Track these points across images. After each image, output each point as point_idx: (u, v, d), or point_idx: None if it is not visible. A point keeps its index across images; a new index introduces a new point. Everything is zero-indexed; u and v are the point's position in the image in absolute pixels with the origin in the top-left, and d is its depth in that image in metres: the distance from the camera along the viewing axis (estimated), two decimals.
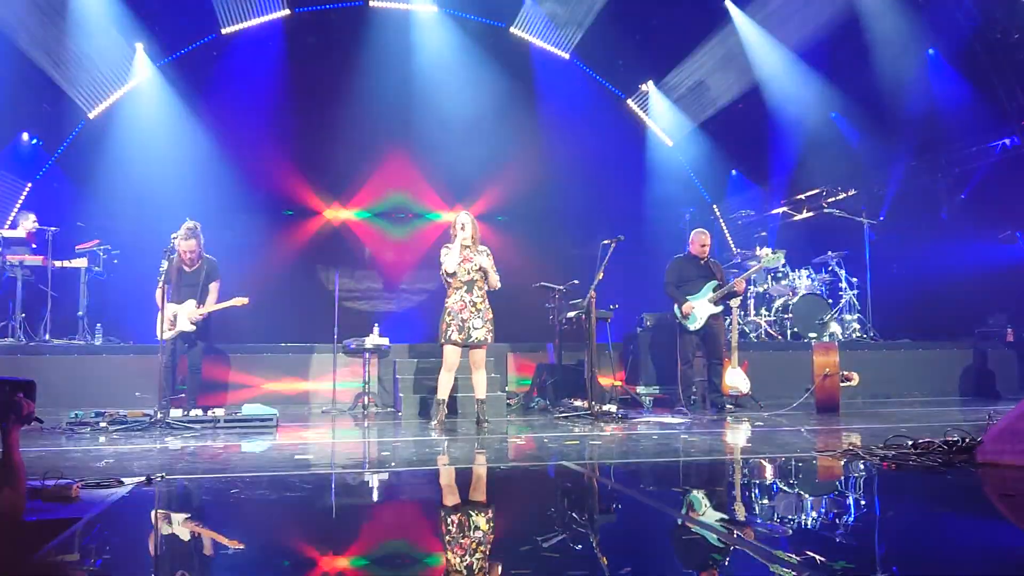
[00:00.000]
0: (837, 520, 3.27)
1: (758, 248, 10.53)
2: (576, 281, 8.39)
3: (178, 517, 3.40)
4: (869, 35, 10.36)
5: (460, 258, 6.65)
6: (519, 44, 12.92)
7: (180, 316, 7.19)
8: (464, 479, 4.43)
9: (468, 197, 11.97)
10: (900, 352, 9.82)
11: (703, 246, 8.07)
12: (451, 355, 6.65)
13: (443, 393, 6.74)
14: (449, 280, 6.70)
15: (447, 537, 2.99)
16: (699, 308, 7.84)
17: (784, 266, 10.23)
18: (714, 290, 7.84)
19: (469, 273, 6.65)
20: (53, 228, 9.12)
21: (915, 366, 9.68)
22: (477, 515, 3.43)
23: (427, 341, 9.31)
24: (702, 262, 8.03)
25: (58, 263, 9.09)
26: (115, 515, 3.18)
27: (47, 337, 8.78)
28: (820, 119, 11.53)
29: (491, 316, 6.72)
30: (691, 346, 7.97)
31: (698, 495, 3.85)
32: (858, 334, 10.16)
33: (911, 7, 10.25)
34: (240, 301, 7.49)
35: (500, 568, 2.49)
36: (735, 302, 8.29)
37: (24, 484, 2.86)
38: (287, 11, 11.95)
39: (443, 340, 6.63)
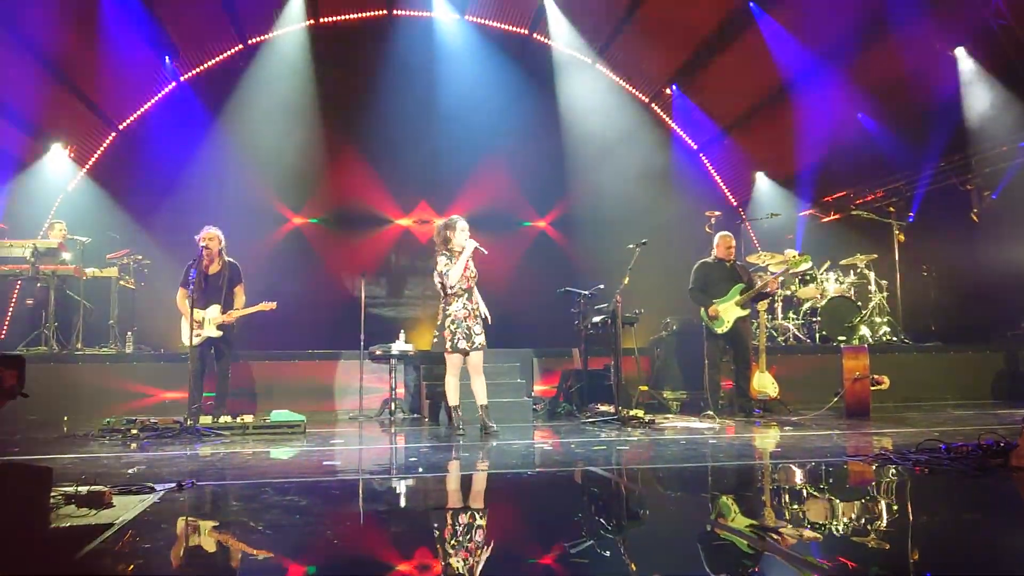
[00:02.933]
0: (868, 525, 3.23)
1: (786, 251, 10.44)
2: (602, 286, 8.37)
3: (209, 523, 3.43)
4: (895, 35, 10.24)
5: (465, 260, 6.57)
6: (542, 50, 12.95)
7: (206, 322, 7.24)
8: (491, 484, 4.43)
9: (489, 203, 12.01)
10: (931, 355, 9.67)
11: (728, 248, 8.01)
12: (456, 361, 6.62)
13: (455, 398, 6.71)
14: (450, 289, 6.57)
15: (474, 542, 2.99)
16: (726, 311, 7.79)
17: (812, 268, 10.14)
18: (741, 293, 7.79)
19: (468, 280, 6.63)
20: (85, 239, 9.26)
21: (946, 369, 9.53)
22: (504, 520, 3.42)
23: None
24: (728, 265, 7.98)
25: (90, 272, 9.23)
26: (147, 521, 3.21)
27: (79, 345, 8.91)
28: (847, 120, 11.41)
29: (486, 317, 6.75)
30: (718, 350, 7.92)
31: (727, 500, 3.82)
32: (888, 337, 10.03)
33: (938, 6, 10.12)
34: (268, 306, 7.54)
35: (528, 571, 2.49)
36: (762, 305, 8.22)
37: None
38: (311, 21, 12.08)
39: (450, 348, 6.55)
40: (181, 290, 7.26)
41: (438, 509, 3.82)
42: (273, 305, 7.56)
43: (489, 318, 6.79)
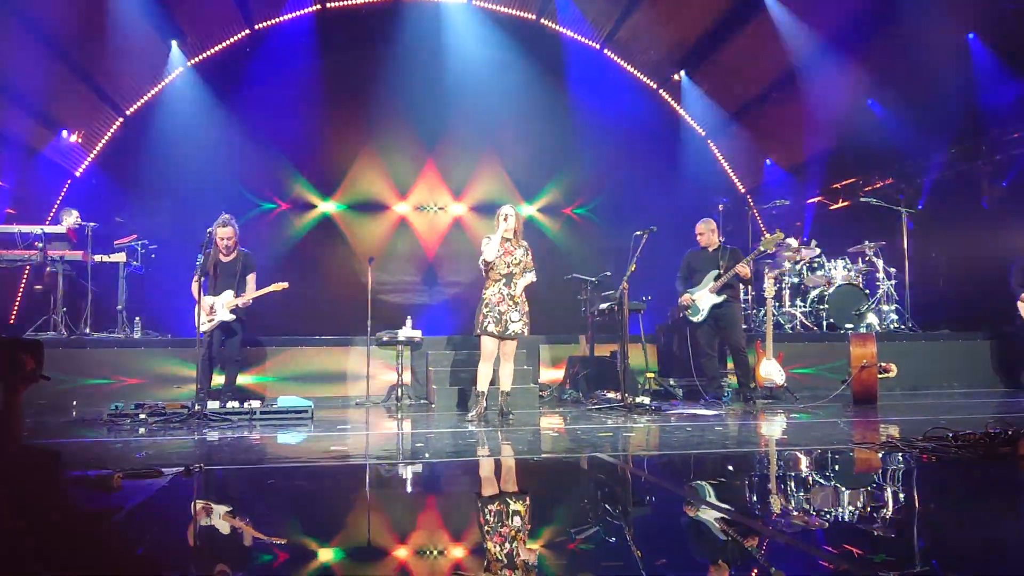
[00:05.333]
0: (875, 513, 3.22)
1: (792, 239, 10.40)
2: (608, 273, 8.36)
3: (217, 506, 3.45)
4: (906, 19, 10.14)
5: (500, 250, 6.62)
6: (550, 35, 12.89)
7: (218, 306, 7.27)
8: (497, 470, 4.44)
9: (499, 188, 11.98)
10: (939, 343, 9.63)
11: (699, 235, 7.92)
12: (488, 345, 6.64)
13: (483, 384, 6.70)
14: (487, 271, 6.68)
15: (481, 526, 3.00)
16: (700, 299, 7.70)
17: (820, 256, 10.11)
18: (715, 280, 7.71)
19: (508, 266, 6.62)
20: (92, 224, 9.29)
21: (955, 357, 9.50)
22: (512, 506, 3.43)
23: (459, 334, 9.35)
24: (711, 251, 7.86)
25: (97, 258, 9.25)
26: (156, 504, 3.23)
27: (87, 331, 8.94)
28: (856, 106, 11.33)
29: (527, 309, 6.68)
30: (704, 337, 7.78)
31: (732, 486, 3.82)
32: (896, 325, 10.00)
33: None
34: (280, 286, 7.57)
35: (537, 558, 2.49)
36: (769, 291, 8.17)
37: (21, 435, 2.93)
38: (319, 6, 12.04)
39: (479, 331, 6.62)
40: (195, 277, 7.27)
41: (444, 493, 3.84)
42: (285, 285, 7.58)
43: (525, 308, 6.67)
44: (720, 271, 7.66)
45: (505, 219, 6.64)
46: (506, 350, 6.70)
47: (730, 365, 8.06)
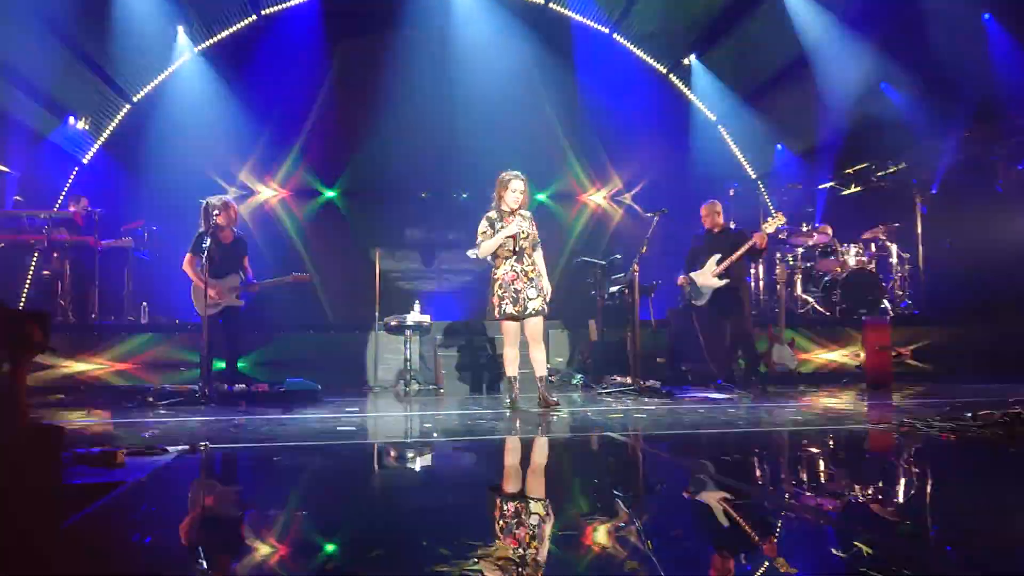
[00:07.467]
0: (893, 490, 3.14)
1: (804, 224, 10.30)
2: (618, 255, 8.27)
3: (221, 483, 3.40)
4: (921, 1, 9.99)
5: (501, 239, 6.05)
6: (559, 19, 12.76)
7: (225, 291, 7.22)
8: (500, 450, 4.37)
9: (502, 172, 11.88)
10: (953, 328, 9.51)
11: (704, 217, 7.79)
12: (511, 328, 6.10)
13: (512, 369, 6.16)
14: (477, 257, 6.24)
15: (487, 508, 2.94)
16: (703, 283, 7.58)
17: (833, 240, 10.01)
18: (718, 263, 7.55)
19: (517, 241, 6.06)
20: (99, 210, 9.25)
21: (969, 342, 9.36)
22: (523, 492, 3.37)
23: (468, 318, 9.28)
24: (716, 233, 7.73)
25: (105, 243, 9.23)
26: (160, 480, 3.18)
27: (94, 316, 8.92)
28: (869, 89, 11.17)
29: (544, 284, 6.16)
30: (709, 320, 7.68)
31: (746, 466, 3.74)
32: (910, 310, 9.88)
33: None
34: (302, 277, 7.55)
35: (548, 538, 2.43)
36: (781, 276, 8.08)
37: (25, 407, 2.87)
38: None
39: (498, 315, 6.07)
40: (189, 256, 7.19)
41: (450, 472, 3.78)
42: (307, 277, 7.54)
43: (547, 289, 6.18)
44: (721, 254, 7.56)
45: (514, 191, 6.06)
46: (531, 331, 6.13)
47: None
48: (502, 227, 6.07)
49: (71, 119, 10.92)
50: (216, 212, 7.09)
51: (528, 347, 6.15)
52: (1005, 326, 9.46)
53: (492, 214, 6.17)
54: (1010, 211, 9.96)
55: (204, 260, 6.88)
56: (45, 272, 9.24)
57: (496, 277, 6.13)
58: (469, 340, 8.40)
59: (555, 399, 6.09)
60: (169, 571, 2.12)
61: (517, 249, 6.08)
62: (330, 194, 12.30)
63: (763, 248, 7.56)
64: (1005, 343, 9.34)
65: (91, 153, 11.30)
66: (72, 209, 9.33)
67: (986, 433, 4.08)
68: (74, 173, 11.01)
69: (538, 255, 6.24)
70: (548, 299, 6.18)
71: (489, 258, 6.24)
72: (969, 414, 4.43)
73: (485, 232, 6.13)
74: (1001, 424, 4.17)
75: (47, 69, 9.94)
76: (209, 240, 6.95)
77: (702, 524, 2.61)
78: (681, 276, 7.71)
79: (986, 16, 10.13)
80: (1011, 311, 9.55)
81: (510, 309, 6.02)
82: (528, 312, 6.04)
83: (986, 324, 9.50)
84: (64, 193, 10.46)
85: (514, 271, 6.06)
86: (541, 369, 6.17)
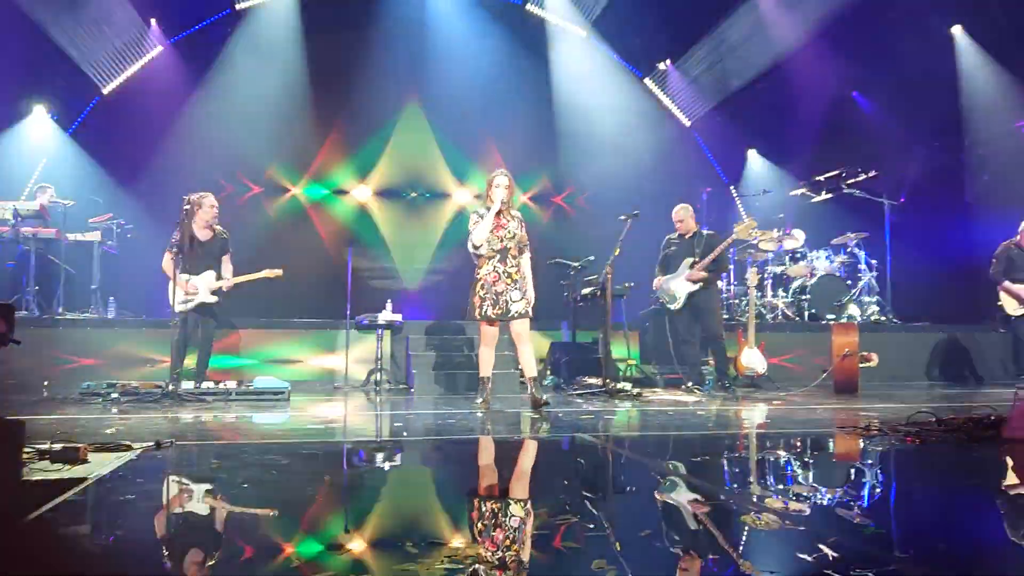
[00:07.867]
0: (858, 493, 3.18)
1: (779, 230, 10.39)
2: (592, 257, 8.29)
3: (187, 479, 3.35)
4: (891, 11, 10.14)
5: (492, 226, 6.05)
6: (535, 21, 12.79)
7: (200, 287, 7.14)
8: (471, 449, 4.37)
9: (481, 175, 11.87)
10: (919, 334, 9.67)
11: (682, 222, 7.82)
12: (488, 330, 6.13)
13: (485, 370, 6.15)
14: (474, 249, 6.15)
15: (457, 506, 2.93)
16: (675, 287, 7.62)
17: (803, 246, 10.12)
18: (690, 267, 7.60)
19: (502, 240, 6.03)
20: (69, 202, 9.10)
21: (935, 349, 9.54)
22: (495, 482, 3.36)
23: (440, 318, 9.26)
24: (687, 238, 7.75)
25: (72, 236, 9.08)
26: (123, 476, 3.13)
27: (60, 310, 8.76)
28: (840, 98, 11.33)
29: (528, 289, 6.12)
30: (682, 324, 7.69)
31: (709, 468, 3.76)
32: (877, 316, 10.02)
33: None
34: (274, 273, 7.45)
35: (519, 535, 2.42)
36: (752, 280, 8.14)
37: None
38: None
39: (477, 315, 6.05)
40: (167, 254, 7.12)
41: (420, 471, 3.76)
42: (279, 272, 7.46)
43: (531, 296, 6.13)
44: (695, 258, 7.60)
45: (499, 188, 6.03)
46: (517, 331, 6.09)
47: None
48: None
49: (39, 109, 10.75)
50: (192, 207, 7.00)
51: (510, 349, 6.16)
52: (971, 333, 9.64)
53: (480, 210, 6.17)
54: (977, 220, 10.14)
55: (175, 253, 6.80)
56: (9, 264, 9.07)
57: (478, 277, 6.10)
58: (443, 340, 8.39)
59: (545, 399, 6.05)
60: (132, 568, 2.08)
61: (502, 249, 6.05)
62: (301, 190, 12.19)
63: (726, 262, 7.64)
64: (969, 350, 9.53)
65: (59, 144, 11.10)
66: (38, 200, 9.16)
67: (949, 437, 4.15)
68: (41, 164, 10.81)
69: (525, 259, 6.21)
70: (532, 305, 6.16)
71: (473, 258, 6.21)
72: (934, 418, 4.50)
73: (476, 223, 6.10)
74: (964, 428, 4.24)
75: (15, 58, 9.78)
76: (182, 234, 6.88)
77: (670, 525, 2.62)
78: (657, 279, 7.75)
79: (955, 28, 10.31)
80: (977, 318, 9.74)
81: (490, 311, 6.00)
82: (511, 314, 6.01)
83: (952, 331, 9.67)
84: (31, 184, 10.27)
85: (496, 272, 6.03)
86: (531, 370, 6.15)
